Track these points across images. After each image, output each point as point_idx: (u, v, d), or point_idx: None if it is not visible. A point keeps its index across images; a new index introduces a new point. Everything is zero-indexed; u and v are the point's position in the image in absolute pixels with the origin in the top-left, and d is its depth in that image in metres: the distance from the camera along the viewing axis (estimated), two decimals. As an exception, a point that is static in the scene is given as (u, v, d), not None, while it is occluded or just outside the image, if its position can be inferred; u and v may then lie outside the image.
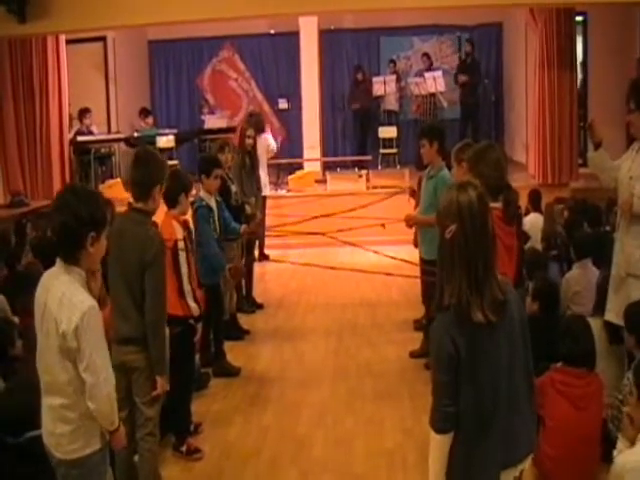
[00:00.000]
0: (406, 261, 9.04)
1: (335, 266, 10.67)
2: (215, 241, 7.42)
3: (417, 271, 8.31)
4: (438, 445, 3.36)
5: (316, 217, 12.62)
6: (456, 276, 3.24)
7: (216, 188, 7.71)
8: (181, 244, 5.97)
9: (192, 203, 7.50)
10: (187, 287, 6.01)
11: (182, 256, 5.97)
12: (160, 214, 6.14)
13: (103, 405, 3.65)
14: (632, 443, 4.01)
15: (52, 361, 3.65)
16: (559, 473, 5.28)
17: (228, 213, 8.04)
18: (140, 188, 4.96)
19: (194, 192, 6.94)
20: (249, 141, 9.62)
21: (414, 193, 8.68)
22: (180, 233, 6.04)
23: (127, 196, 5.40)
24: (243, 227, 8.26)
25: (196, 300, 6.09)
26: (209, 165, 7.65)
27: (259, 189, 9.92)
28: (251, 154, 9.69)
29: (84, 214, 3.57)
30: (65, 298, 3.57)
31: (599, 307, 6.27)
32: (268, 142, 12.14)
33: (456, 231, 3.25)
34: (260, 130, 11.29)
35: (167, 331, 5.93)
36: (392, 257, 9.70)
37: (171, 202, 6.14)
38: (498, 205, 4.86)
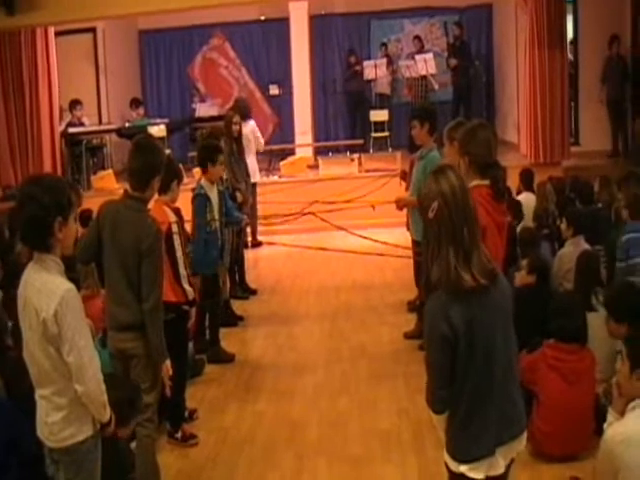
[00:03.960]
0: (397, 245, 9.03)
1: (326, 247, 10.67)
2: (208, 234, 7.41)
3: (408, 252, 8.32)
4: (438, 419, 3.45)
5: (314, 202, 12.67)
6: (443, 251, 3.26)
7: (219, 175, 7.69)
8: (175, 227, 5.96)
9: (193, 189, 7.52)
10: (183, 271, 5.99)
11: (176, 240, 5.95)
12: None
13: (90, 386, 3.64)
14: (621, 415, 4.02)
15: (35, 351, 3.66)
16: (552, 447, 5.34)
17: (231, 202, 8.05)
18: (139, 177, 4.90)
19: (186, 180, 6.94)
20: (235, 127, 9.63)
21: (405, 175, 8.67)
22: (173, 217, 6.02)
23: (118, 187, 5.37)
24: (245, 218, 8.32)
25: (190, 284, 6.08)
26: (212, 152, 7.60)
27: (247, 175, 9.93)
28: (238, 140, 9.70)
29: (49, 202, 3.55)
30: (43, 287, 3.57)
31: (582, 284, 6.28)
32: (255, 129, 12.07)
33: (439, 207, 3.27)
34: (246, 116, 11.28)
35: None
36: (384, 242, 9.72)
37: (162, 188, 6.11)
38: (486, 182, 4.86)
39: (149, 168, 4.89)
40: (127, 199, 4.93)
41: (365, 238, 11.23)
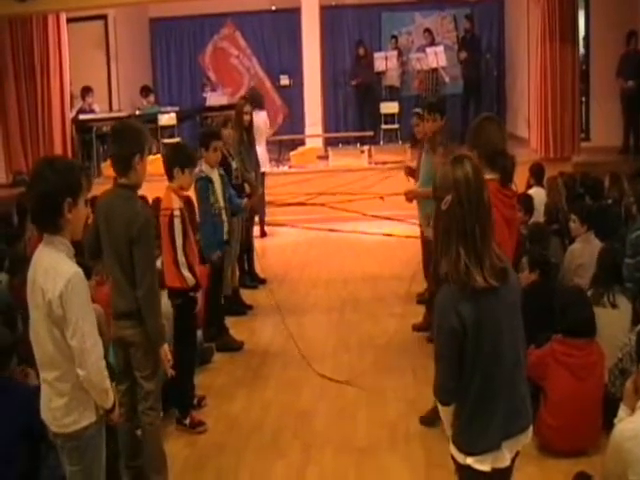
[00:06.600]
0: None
1: (334, 229, 10.65)
2: (213, 217, 7.44)
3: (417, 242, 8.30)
4: (444, 411, 3.48)
5: (320, 194, 12.66)
6: (453, 246, 3.25)
7: (217, 160, 7.71)
8: (177, 212, 5.95)
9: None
10: (181, 259, 5.98)
11: (177, 227, 5.95)
12: (162, 188, 6.19)
13: (92, 372, 3.65)
14: (633, 411, 4.03)
15: (40, 332, 3.67)
16: (560, 442, 5.34)
17: (233, 190, 8.07)
18: (119, 162, 4.88)
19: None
20: (246, 117, 9.61)
21: (410, 171, 8.59)
22: (177, 204, 6.02)
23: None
24: (245, 201, 8.30)
25: (192, 272, 6.07)
26: (207, 138, 7.65)
27: (258, 165, 9.93)
28: (248, 130, 9.68)
29: (58, 182, 3.57)
30: (50, 267, 3.59)
31: (599, 279, 6.24)
32: (266, 119, 12.11)
33: (452, 201, 3.25)
34: (258, 106, 11.29)
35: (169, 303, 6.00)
36: (392, 218, 9.66)
37: (167, 175, 6.16)
38: (495, 177, 4.85)
39: (125, 151, 4.85)
40: (117, 188, 4.95)
41: (377, 217, 11.07)
